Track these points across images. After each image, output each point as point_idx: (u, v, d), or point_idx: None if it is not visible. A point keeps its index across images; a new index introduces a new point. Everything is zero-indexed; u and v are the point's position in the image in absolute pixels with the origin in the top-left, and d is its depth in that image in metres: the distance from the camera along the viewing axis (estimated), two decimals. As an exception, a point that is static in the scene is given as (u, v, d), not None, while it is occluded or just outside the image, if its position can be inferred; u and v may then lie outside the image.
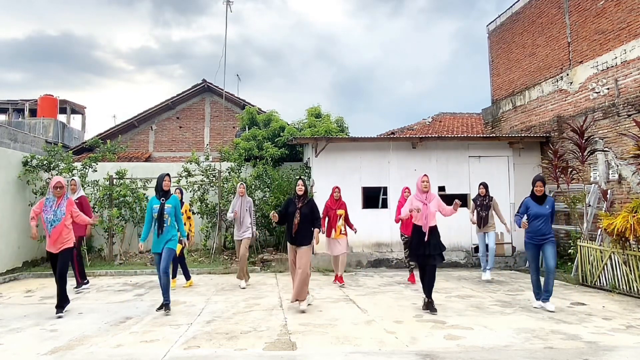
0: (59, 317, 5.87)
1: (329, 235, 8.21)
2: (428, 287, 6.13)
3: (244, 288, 7.92)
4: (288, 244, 6.57)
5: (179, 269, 8.17)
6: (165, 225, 6.08)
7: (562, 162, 9.23)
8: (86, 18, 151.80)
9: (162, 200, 6.14)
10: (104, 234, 10.90)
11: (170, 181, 6.35)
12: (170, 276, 7.35)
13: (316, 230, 6.43)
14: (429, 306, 6.06)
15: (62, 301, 6.02)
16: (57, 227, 5.98)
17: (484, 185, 8.71)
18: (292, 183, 11.13)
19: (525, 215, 6.31)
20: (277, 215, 6.37)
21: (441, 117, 17.47)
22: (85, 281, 7.98)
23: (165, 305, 6.08)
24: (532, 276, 6.45)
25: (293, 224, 6.29)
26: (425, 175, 6.31)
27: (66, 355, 4.40)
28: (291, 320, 5.69)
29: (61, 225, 6.01)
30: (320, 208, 8.20)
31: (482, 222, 8.54)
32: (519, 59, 12.60)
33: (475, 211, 8.63)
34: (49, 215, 5.97)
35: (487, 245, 8.64)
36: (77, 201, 7.55)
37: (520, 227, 6.26)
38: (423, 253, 6.06)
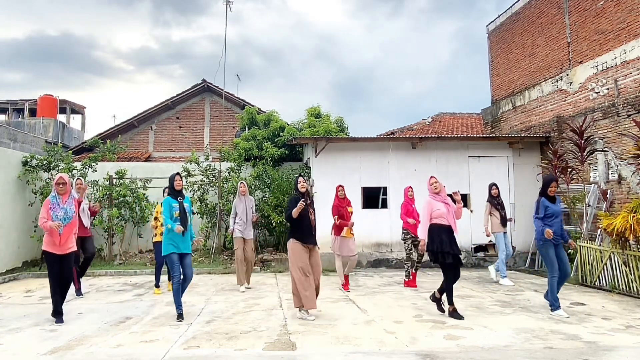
0: (59, 323, 5.60)
1: (339, 233, 7.79)
2: (451, 292, 5.88)
3: (243, 292, 7.65)
4: (299, 245, 5.89)
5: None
6: (188, 223, 6.01)
7: (561, 162, 9.24)
8: (86, 18, 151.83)
9: (180, 199, 6.03)
10: (104, 234, 10.90)
11: (181, 180, 6.22)
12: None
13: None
14: (454, 314, 5.77)
15: (61, 307, 5.76)
16: (69, 225, 5.76)
17: (497, 186, 8.71)
18: (292, 183, 11.12)
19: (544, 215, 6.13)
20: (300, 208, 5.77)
21: (441, 117, 17.47)
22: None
23: (180, 315, 5.84)
24: (553, 280, 6.05)
25: (309, 221, 5.92)
26: (432, 177, 6.21)
27: (66, 355, 4.40)
28: (291, 320, 5.69)
29: (73, 224, 5.82)
30: (326, 209, 8.18)
31: (505, 221, 8.48)
32: (518, 59, 12.60)
33: (495, 211, 8.49)
34: (59, 213, 5.69)
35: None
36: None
37: (544, 234, 5.99)
38: (454, 252, 5.82)
